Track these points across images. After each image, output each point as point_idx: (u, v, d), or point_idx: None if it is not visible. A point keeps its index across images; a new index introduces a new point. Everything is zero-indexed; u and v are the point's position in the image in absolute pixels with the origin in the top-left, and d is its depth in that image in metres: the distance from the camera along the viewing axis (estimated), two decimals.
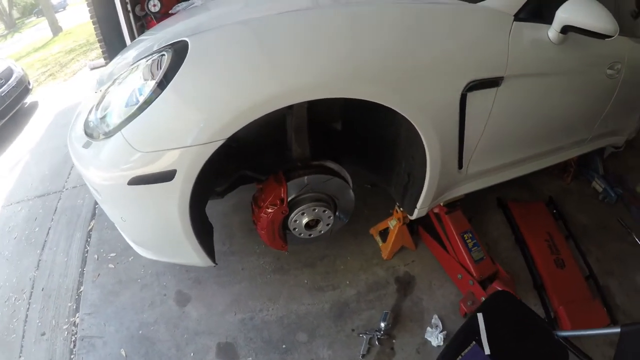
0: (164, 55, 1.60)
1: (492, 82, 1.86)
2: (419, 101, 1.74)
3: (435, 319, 2.41)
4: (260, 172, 2.33)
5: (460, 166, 2.15)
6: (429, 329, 2.36)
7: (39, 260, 2.92)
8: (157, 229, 1.84)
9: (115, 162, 1.63)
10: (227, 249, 2.80)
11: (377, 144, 2.26)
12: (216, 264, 2.01)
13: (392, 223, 2.81)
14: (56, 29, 18.37)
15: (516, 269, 2.80)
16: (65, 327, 2.43)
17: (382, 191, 2.96)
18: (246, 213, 2.97)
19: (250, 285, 2.61)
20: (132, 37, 4.02)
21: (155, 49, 1.78)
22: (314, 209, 2.21)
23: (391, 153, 2.19)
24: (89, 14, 4.45)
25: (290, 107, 1.61)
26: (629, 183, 3.63)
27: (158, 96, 1.52)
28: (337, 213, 2.27)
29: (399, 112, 1.70)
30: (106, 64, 4.37)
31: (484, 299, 2.29)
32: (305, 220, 2.22)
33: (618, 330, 1.64)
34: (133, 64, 1.86)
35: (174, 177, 1.59)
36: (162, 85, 1.53)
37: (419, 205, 2.19)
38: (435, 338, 2.32)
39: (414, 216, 2.33)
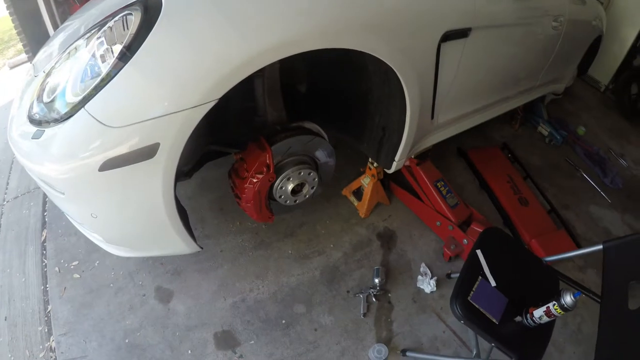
0: (130, 15, 1.37)
1: (462, 33, 1.97)
2: (403, 50, 1.74)
3: (423, 267, 2.49)
4: (228, 145, 2.15)
5: (432, 116, 2.23)
6: (419, 277, 2.43)
7: None
8: (137, 219, 1.60)
9: (80, 147, 1.34)
10: (200, 233, 2.61)
11: (345, 102, 2.22)
12: (202, 247, 1.86)
13: (366, 181, 2.78)
14: None
15: (485, 210, 2.94)
16: (41, 355, 2.10)
17: (347, 152, 3.04)
18: (213, 192, 2.87)
19: (233, 266, 2.47)
20: (55, 26, 3.52)
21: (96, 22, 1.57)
22: (300, 172, 2.07)
23: (362, 109, 2.14)
24: (5, 4, 3.79)
25: (260, 71, 1.44)
26: (570, 126, 4.02)
27: (129, 61, 1.29)
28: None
29: (384, 61, 1.68)
30: (29, 59, 3.80)
31: (465, 241, 2.47)
32: (291, 186, 2.12)
33: (600, 247, 1.77)
34: (78, 39, 1.59)
35: (156, 152, 1.36)
36: (132, 48, 1.30)
37: (397, 157, 2.21)
38: (428, 285, 2.39)
39: (392, 169, 2.31)
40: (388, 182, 2.85)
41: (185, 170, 2.09)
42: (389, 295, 2.37)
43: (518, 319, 1.69)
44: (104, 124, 1.30)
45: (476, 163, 3.16)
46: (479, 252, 1.89)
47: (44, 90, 1.55)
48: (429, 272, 2.45)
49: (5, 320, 2.28)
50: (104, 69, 1.33)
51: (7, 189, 3.20)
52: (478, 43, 2.07)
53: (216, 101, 1.36)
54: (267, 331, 2.18)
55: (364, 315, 2.25)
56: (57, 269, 2.42)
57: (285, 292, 2.36)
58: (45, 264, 2.47)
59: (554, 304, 1.55)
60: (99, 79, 1.32)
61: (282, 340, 2.14)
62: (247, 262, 2.50)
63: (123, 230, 1.70)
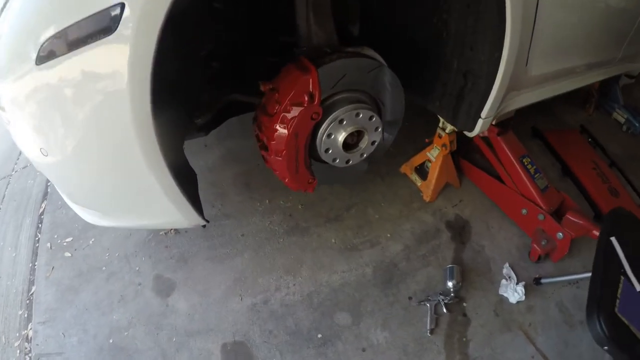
0: None
1: None
2: None
3: (506, 269, 1.99)
4: (255, 92, 1.62)
5: (526, 62, 1.77)
6: (503, 282, 1.94)
7: None
8: (102, 163, 1.20)
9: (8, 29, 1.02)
10: (218, 211, 2.21)
11: (409, 46, 1.80)
12: (207, 221, 1.45)
13: (433, 153, 2.22)
14: None
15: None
16: (17, 344, 1.87)
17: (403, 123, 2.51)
18: (239, 165, 2.48)
19: (256, 255, 2.03)
20: None
21: None
22: (358, 114, 1.47)
23: (434, 53, 1.74)
24: None
25: None
26: None
27: None
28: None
29: None
30: None
31: (560, 234, 1.97)
32: (343, 135, 1.48)
33: None
34: None
35: (119, 22, 0.91)
36: None
37: (484, 113, 1.70)
38: (513, 292, 1.90)
39: (476, 131, 1.80)
40: (457, 160, 2.39)
41: (200, 123, 1.70)
42: (464, 304, 1.88)
43: None
44: None
45: (555, 146, 2.72)
46: (614, 240, 1.41)
47: None
48: (513, 275, 1.96)
49: None
50: None
51: (18, 159, 3.15)
52: None
53: None
54: (296, 347, 1.74)
55: (431, 332, 1.78)
56: (49, 244, 2.22)
57: (324, 294, 1.90)
58: (38, 239, 2.28)
59: None
60: None
61: None
62: (275, 252, 2.06)
63: (85, 182, 1.32)
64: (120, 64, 0.96)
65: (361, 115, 1.46)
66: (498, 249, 2.08)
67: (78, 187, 1.39)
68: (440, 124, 2.12)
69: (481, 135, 2.22)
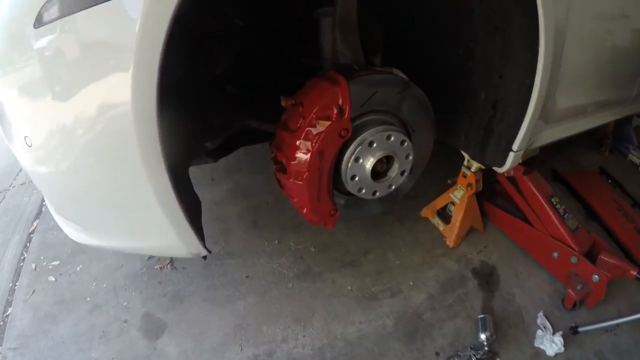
0: None
1: None
2: None
3: (541, 318, 1.80)
4: (271, 119, 1.50)
5: (555, 92, 1.69)
6: (539, 332, 1.75)
7: None
8: (93, 151, 1.04)
9: None
10: (221, 249, 2.04)
11: (432, 77, 1.63)
12: (209, 251, 1.26)
13: (457, 194, 2.08)
14: None
15: None
16: None
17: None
18: (247, 200, 2.35)
19: (262, 300, 1.83)
20: None
21: None
22: (389, 136, 1.31)
23: (460, 85, 1.63)
24: None
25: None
26: None
27: None
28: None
29: None
30: None
31: (596, 277, 1.81)
32: (372, 160, 1.30)
33: None
34: None
35: None
36: None
37: (516, 145, 1.57)
38: (550, 344, 1.71)
39: (507, 166, 1.65)
40: (481, 204, 2.22)
41: (210, 147, 1.57)
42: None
43: None
44: None
45: (577, 188, 2.65)
46: None
47: None
48: (548, 325, 1.77)
49: None
50: None
51: (17, 175, 3.14)
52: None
53: None
54: None
55: None
56: (34, 265, 2.10)
57: (339, 348, 1.67)
58: (24, 258, 2.17)
59: None
60: None
61: None
62: (283, 298, 1.85)
63: (72, 184, 1.16)
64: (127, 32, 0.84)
65: (392, 139, 1.30)
66: (529, 297, 1.89)
67: (65, 191, 1.22)
68: (465, 162, 1.99)
69: (506, 175, 2.09)
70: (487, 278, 1.97)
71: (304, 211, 1.32)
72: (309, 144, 1.17)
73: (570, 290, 1.82)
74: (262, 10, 1.56)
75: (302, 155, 1.20)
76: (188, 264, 1.96)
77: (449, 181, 2.13)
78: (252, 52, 1.60)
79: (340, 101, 1.17)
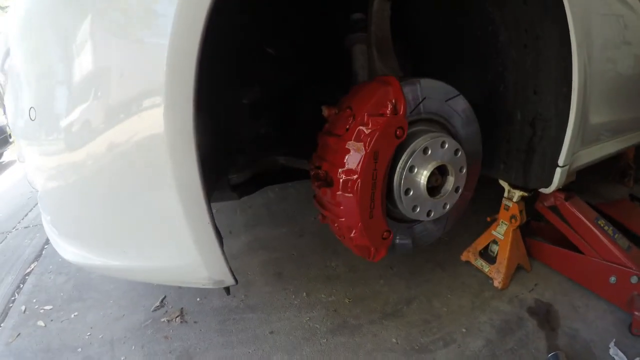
0: None
1: None
2: None
3: (613, 349, 1.62)
4: (302, 156, 1.44)
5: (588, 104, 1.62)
6: None
7: None
8: (109, 137, 0.89)
9: None
10: (240, 302, 1.85)
11: None
12: (236, 281, 1.06)
13: (501, 230, 1.94)
14: None
15: None
16: None
17: None
18: (269, 252, 2.19)
19: (290, 359, 1.59)
20: None
21: None
22: (444, 143, 1.19)
23: (493, 112, 1.59)
24: None
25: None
26: None
27: None
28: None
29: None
30: None
31: None
32: (427, 170, 1.17)
33: None
34: None
35: None
36: None
37: (562, 159, 1.49)
38: None
39: (555, 184, 1.55)
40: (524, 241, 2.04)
41: (235, 181, 1.50)
42: None
43: None
44: None
45: (614, 216, 2.44)
46: None
47: None
48: (621, 354, 1.59)
49: None
50: None
51: (23, 218, 3.15)
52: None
53: None
54: None
55: None
56: (23, 307, 1.98)
57: None
58: (14, 299, 2.06)
59: None
60: None
61: None
62: (317, 355, 1.61)
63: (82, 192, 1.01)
64: None
65: (447, 146, 1.19)
66: (594, 330, 1.70)
67: (71, 199, 1.06)
68: (506, 194, 1.88)
69: (547, 204, 1.99)
70: (545, 316, 1.77)
71: (353, 234, 1.16)
72: (361, 145, 1.05)
73: (637, 314, 1.65)
74: (294, 38, 1.54)
75: (354, 159, 1.07)
76: (201, 317, 1.75)
77: (488, 218, 2.00)
78: (282, 81, 1.56)
79: (393, 99, 1.08)
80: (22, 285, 2.15)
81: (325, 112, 1.19)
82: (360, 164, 1.05)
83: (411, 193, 1.17)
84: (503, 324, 1.71)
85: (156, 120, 0.79)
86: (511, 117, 1.56)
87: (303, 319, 1.74)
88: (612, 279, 1.79)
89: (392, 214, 1.28)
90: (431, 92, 1.21)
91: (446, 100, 1.25)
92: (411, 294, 1.87)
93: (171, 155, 0.81)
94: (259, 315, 1.76)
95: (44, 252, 2.42)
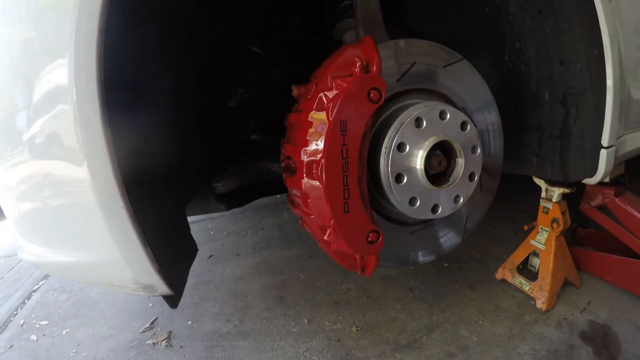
0: None
1: None
2: None
3: None
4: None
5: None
6: None
7: None
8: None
9: None
10: (232, 328, 1.67)
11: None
12: (172, 292, 0.91)
13: (541, 239, 1.67)
14: None
15: None
16: None
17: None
18: (274, 276, 2.02)
19: None
20: None
21: None
22: (444, 114, 0.94)
23: (516, 97, 1.41)
24: None
25: None
26: None
27: None
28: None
29: None
30: None
31: None
32: (426, 146, 0.91)
33: None
34: None
35: None
36: None
37: (606, 138, 1.24)
38: None
39: (601, 171, 1.30)
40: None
41: (221, 190, 1.42)
42: None
43: None
44: None
45: None
46: None
47: None
48: None
49: None
50: None
51: None
52: None
53: None
54: None
55: None
56: (22, 321, 2.01)
57: None
58: (17, 313, 2.11)
59: None
60: None
61: None
62: None
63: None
64: None
65: (448, 117, 0.94)
66: None
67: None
68: (543, 194, 1.65)
69: (593, 204, 1.73)
70: (602, 342, 1.48)
71: (327, 235, 0.91)
72: (323, 114, 0.82)
73: None
74: (280, 35, 1.45)
75: (317, 134, 0.84)
76: (188, 342, 1.61)
77: (525, 227, 1.73)
78: (269, 82, 1.47)
79: (363, 57, 0.85)
80: (27, 301, 2.21)
81: (295, 91, 1.00)
82: (324, 137, 0.81)
83: (405, 180, 0.91)
84: (549, 355, 1.41)
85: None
86: (538, 98, 1.36)
87: (299, 350, 1.51)
88: None
89: (388, 213, 1.04)
90: (424, 56, 0.97)
91: (445, 67, 1.00)
92: (433, 320, 1.59)
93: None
94: (250, 343, 1.57)
95: None
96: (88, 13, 0.69)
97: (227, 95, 1.44)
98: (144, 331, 1.69)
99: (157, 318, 1.76)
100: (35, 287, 2.31)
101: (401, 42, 0.97)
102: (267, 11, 1.38)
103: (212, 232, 2.55)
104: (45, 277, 2.37)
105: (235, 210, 1.57)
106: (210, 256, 2.23)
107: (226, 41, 1.31)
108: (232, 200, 1.45)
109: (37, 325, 1.95)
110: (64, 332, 1.85)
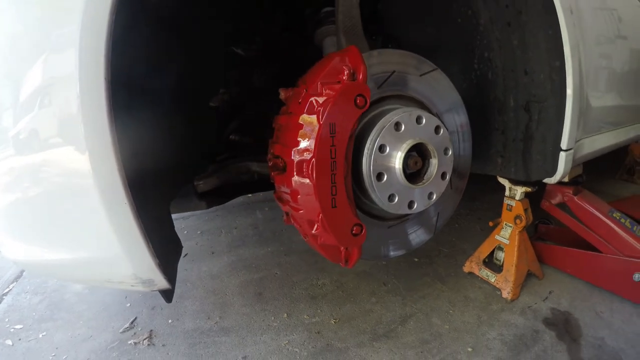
0: None
1: None
2: None
3: None
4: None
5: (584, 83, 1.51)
6: None
7: None
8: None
9: None
10: (214, 324, 1.66)
11: None
12: (172, 286, 0.93)
13: (505, 234, 1.77)
14: None
15: None
16: None
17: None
18: (251, 273, 2.01)
19: None
20: None
21: None
22: (420, 118, 1.01)
23: (483, 103, 1.49)
24: None
25: None
26: None
27: None
28: None
29: None
30: None
31: None
32: (404, 149, 0.98)
33: None
34: None
35: None
36: None
37: (565, 141, 1.33)
38: None
39: (560, 172, 1.39)
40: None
41: (202, 188, 1.40)
42: None
43: None
44: None
45: (632, 213, 2.25)
46: None
47: None
48: None
49: None
50: None
51: None
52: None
53: None
54: None
55: None
56: None
57: None
58: None
59: None
60: None
61: None
62: None
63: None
64: None
65: (424, 122, 1.02)
66: (622, 336, 1.53)
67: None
68: (507, 192, 1.75)
69: (554, 202, 1.86)
70: (564, 326, 1.58)
71: (315, 229, 0.97)
72: (314, 117, 0.88)
73: None
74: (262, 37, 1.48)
75: (307, 135, 0.89)
76: (170, 340, 1.57)
77: (490, 223, 1.83)
78: (249, 83, 1.51)
79: (350, 65, 0.92)
80: None
81: (282, 94, 1.04)
82: (315, 139, 0.87)
83: (385, 179, 0.98)
84: (516, 340, 1.50)
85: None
86: (504, 104, 1.44)
87: (281, 342, 1.54)
88: (637, 276, 1.64)
89: (369, 209, 1.10)
90: (401, 64, 1.05)
91: (421, 75, 1.08)
92: (407, 311, 1.66)
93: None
94: (232, 339, 1.57)
95: (23, 274, 2.33)
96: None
97: (210, 95, 1.46)
98: (124, 331, 1.65)
99: (136, 318, 1.72)
100: (6, 290, 2.19)
101: (383, 52, 1.04)
102: (253, 16, 1.42)
103: (185, 232, 2.51)
104: (17, 279, 2.26)
105: (207, 209, 1.57)
106: (186, 255, 2.19)
107: (212, 43, 1.34)
108: (213, 198, 1.46)
109: (12, 330, 1.85)
110: (40, 336, 1.78)
